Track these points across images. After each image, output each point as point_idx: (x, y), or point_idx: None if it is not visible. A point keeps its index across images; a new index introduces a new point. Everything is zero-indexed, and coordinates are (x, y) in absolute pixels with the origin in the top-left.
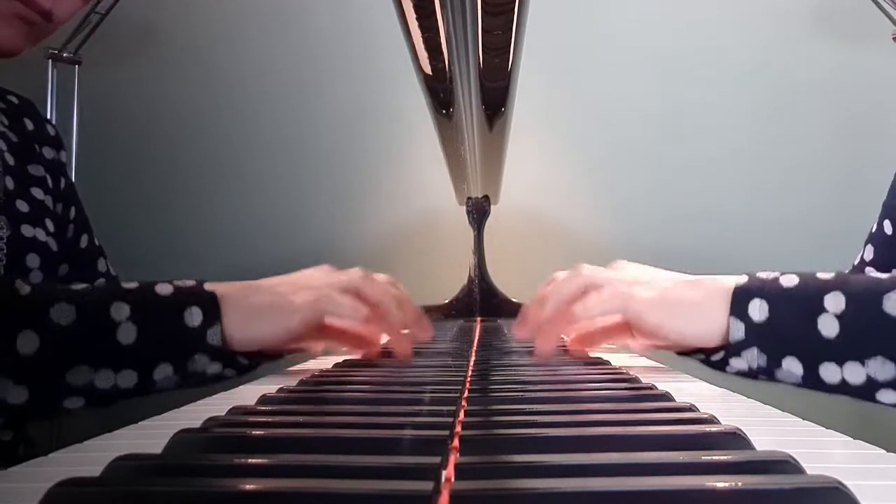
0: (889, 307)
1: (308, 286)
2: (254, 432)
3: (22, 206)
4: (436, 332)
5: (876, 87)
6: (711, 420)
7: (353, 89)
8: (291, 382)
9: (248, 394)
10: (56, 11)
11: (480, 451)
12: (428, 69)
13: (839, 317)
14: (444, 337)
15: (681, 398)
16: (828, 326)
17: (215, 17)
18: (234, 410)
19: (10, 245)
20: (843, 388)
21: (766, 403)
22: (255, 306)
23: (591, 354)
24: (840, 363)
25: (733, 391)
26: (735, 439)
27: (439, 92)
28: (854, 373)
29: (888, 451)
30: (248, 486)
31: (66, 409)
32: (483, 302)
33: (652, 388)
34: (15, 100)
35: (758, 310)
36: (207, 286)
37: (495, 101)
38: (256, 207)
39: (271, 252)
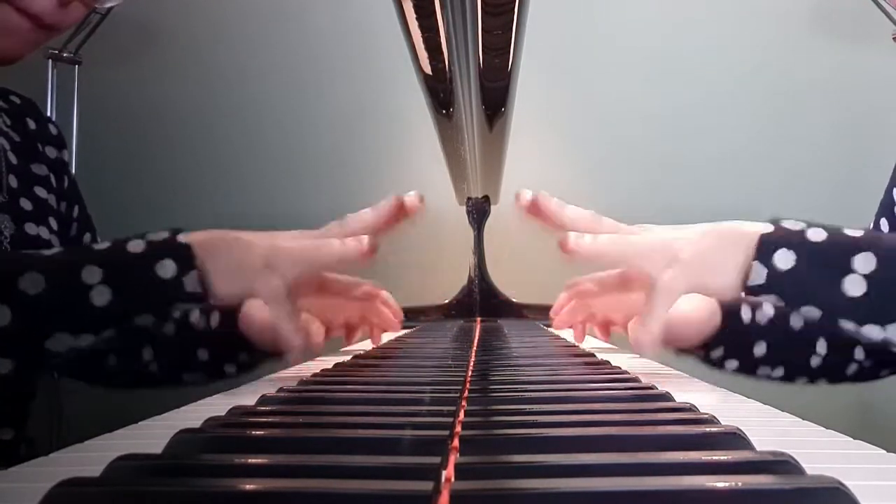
0: None
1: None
2: (253, 432)
3: (26, 204)
4: (436, 332)
5: (876, 87)
6: (711, 420)
7: (353, 89)
8: (291, 382)
9: (248, 394)
10: (60, 24)
11: (480, 451)
12: (428, 69)
13: (868, 277)
14: (444, 337)
15: (681, 398)
16: (855, 286)
17: (216, 17)
18: (234, 410)
19: (14, 243)
20: (856, 336)
21: (766, 403)
22: (237, 251)
23: (590, 354)
24: (861, 323)
25: (733, 391)
26: (735, 439)
27: (439, 92)
28: (871, 332)
29: (888, 451)
30: (248, 486)
31: (60, 366)
32: (483, 302)
33: (652, 388)
34: (17, 100)
35: (783, 259)
36: (181, 237)
37: (495, 101)
38: (256, 207)
39: None
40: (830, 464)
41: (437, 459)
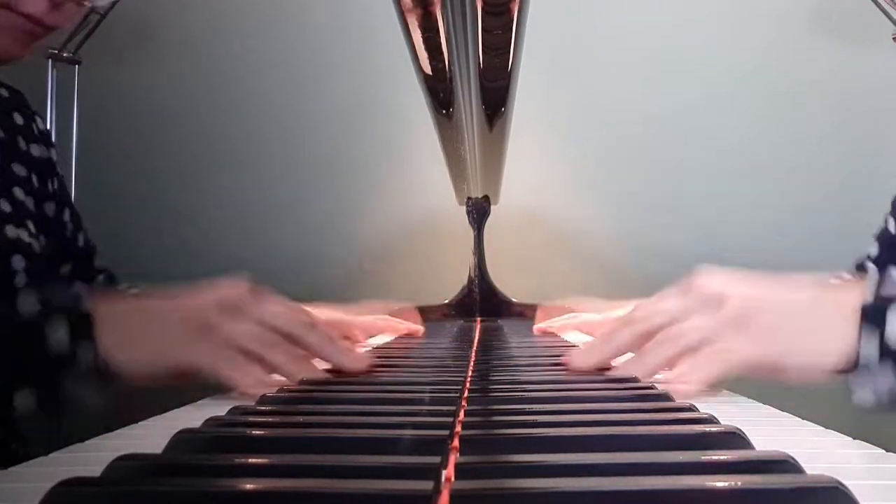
0: None
1: (206, 325)
2: (254, 432)
3: (4, 206)
4: (436, 332)
5: (876, 87)
6: (711, 420)
7: (352, 88)
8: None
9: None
10: (57, 23)
11: (480, 451)
12: (428, 69)
13: None
14: (444, 337)
15: (681, 398)
16: None
17: (214, 16)
18: (234, 410)
19: None
20: None
21: (765, 403)
22: (138, 327)
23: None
24: None
25: (733, 391)
26: (735, 439)
27: (439, 92)
28: None
29: (888, 451)
30: (248, 486)
31: None
32: (483, 302)
33: (652, 387)
34: (5, 92)
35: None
36: (87, 302)
37: (495, 101)
38: (256, 207)
39: (271, 252)
40: (830, 464)
41: (437, 459)
